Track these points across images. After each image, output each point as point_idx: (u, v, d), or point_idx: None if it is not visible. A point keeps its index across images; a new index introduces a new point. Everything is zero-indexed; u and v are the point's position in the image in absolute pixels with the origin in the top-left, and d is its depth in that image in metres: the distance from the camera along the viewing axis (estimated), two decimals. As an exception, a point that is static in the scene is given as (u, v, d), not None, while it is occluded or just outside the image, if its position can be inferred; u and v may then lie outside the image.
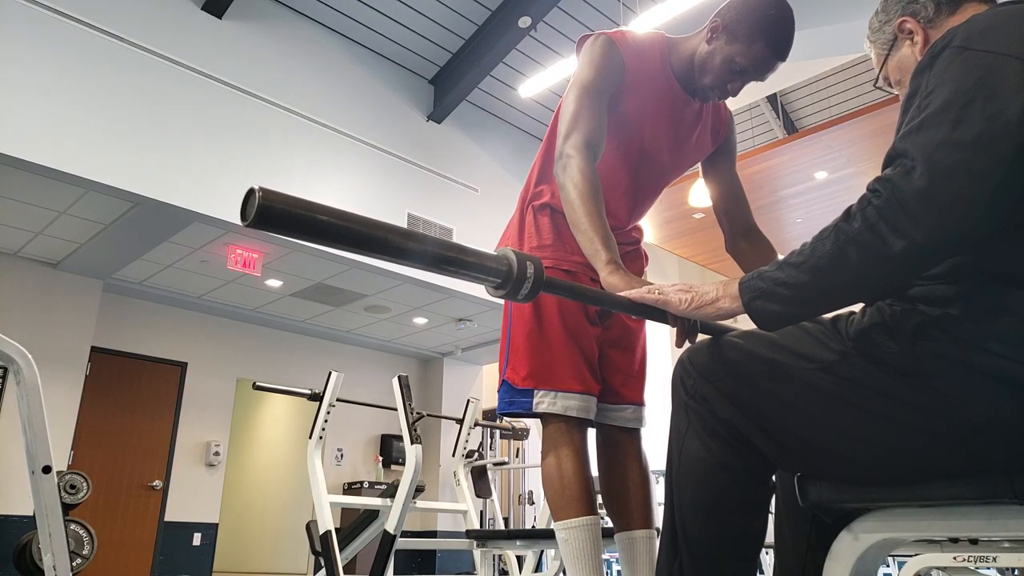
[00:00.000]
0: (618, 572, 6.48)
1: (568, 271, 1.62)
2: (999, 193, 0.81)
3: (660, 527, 1.18)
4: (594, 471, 1.60)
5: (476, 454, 6.20)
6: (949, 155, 0.82)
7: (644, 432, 1.72)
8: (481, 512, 7.01)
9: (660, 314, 1.10)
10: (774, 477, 1.14)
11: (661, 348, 8.03)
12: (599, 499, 1.64)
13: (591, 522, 1.48)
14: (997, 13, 0.95)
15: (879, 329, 0.93)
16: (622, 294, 1.15)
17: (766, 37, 1.48)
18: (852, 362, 0.93)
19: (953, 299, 0.88)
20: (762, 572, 3.87)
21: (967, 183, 0.81)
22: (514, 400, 1.56)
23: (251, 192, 0.73)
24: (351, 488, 7.75)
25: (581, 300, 1.09)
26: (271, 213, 0.74)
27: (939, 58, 0.91)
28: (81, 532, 4.25)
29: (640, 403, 1.70)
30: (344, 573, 2.99)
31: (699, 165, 1.85)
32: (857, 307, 1.03)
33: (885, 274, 0.85)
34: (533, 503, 8.24)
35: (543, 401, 1.53)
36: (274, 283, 6.54)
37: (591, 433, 1.67)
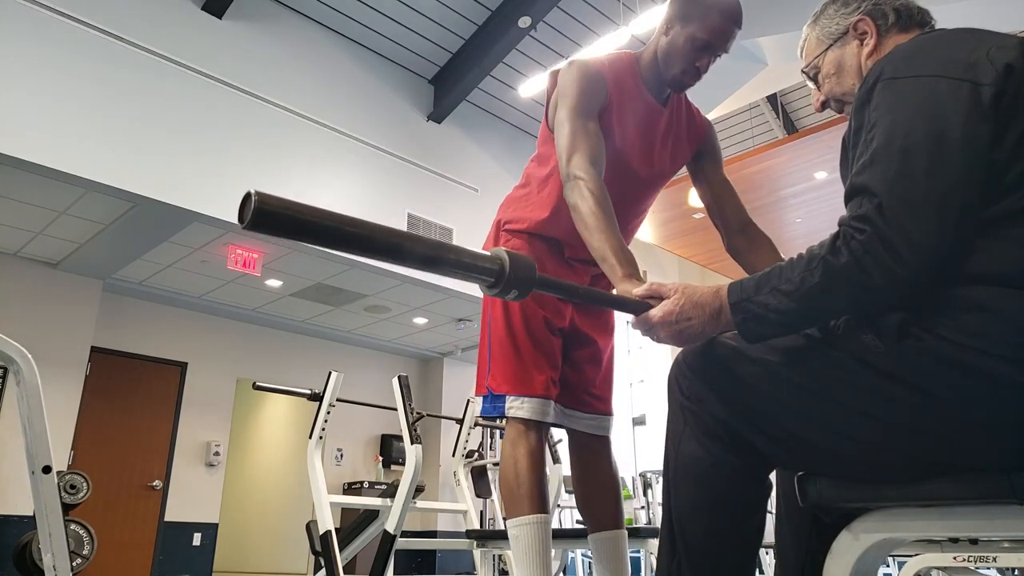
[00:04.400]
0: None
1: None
2: (963, 211, 0.87)
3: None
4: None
5: (476, 454, 6.20)
6: (909, 188, 0.87)
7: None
8: (481, 512, 7.01)
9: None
10: (773, 477, 1.15)
11: (662, 349, 8.02)
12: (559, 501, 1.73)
13: (541, 520, 1.55)
14: (918, 40, 1.01)
15: (866, 329, 0.94)
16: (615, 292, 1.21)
17: (717, 7, 1.57)
18: (842, 363, 0.94)
19: (933, 300, 0.90)
20: (762, 572, 3.87)
21: (933, 212, 0.86)
22: (493, 405, 1.67)
23: (248, 196, 0.75)
24: (351, 488, 7.75)
25: (573, 298, 1.12)
26: (267, 216, 0.76)
27: (873, 92, 0.96)
28: (81, 532, 4.25)
29: (606, 413, 1.80)
30: (344, 573, 2.99)
31: (687, 170, 1.90)
32: None
33: (872, 303, 0.92)
34: (533, 503, 8.23)
35: (513, 406, 1.63)
36: (274, 283, 6.54)
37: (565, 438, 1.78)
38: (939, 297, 0.89)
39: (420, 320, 7.51)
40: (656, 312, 1.07)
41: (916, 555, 1.70)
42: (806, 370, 0.97)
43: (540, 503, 1.56)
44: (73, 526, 4.23)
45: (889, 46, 1.10)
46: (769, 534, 1.20)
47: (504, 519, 1.76)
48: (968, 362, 0.85)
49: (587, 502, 1.76)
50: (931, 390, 0.88)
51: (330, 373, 3.30)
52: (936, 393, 0.87)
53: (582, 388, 1.77)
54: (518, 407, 1.62)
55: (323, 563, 2.97)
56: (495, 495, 5.74)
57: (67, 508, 4.19)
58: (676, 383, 1.10)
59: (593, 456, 1.77)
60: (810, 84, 1.25)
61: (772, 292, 0.95)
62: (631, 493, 5.58)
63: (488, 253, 0.94)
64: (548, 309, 1.70)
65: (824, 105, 1.23)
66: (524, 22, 5.74)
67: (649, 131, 1.72)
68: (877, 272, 0.88)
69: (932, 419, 0.88)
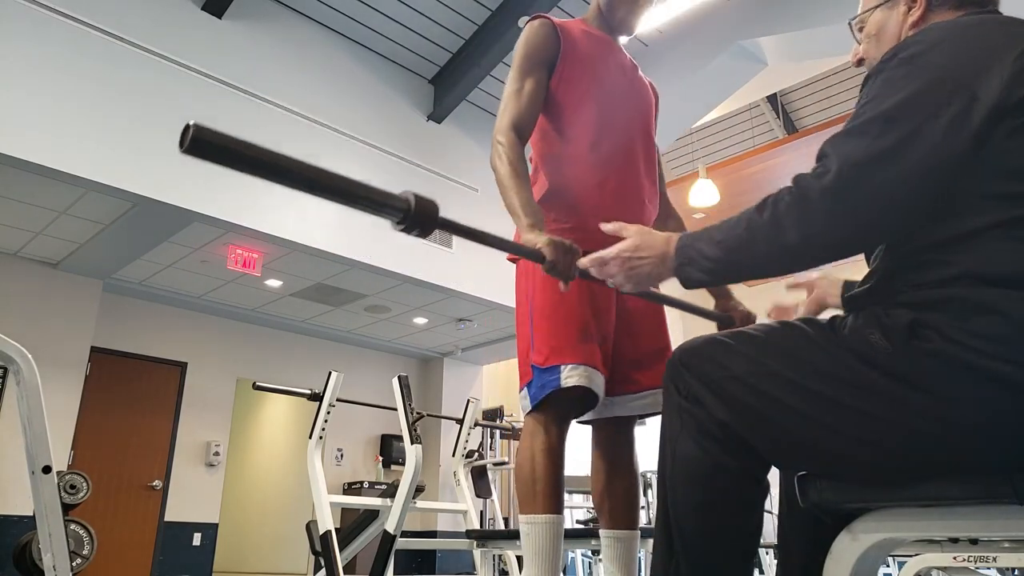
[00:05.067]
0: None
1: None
2: (895, 208, 0.89)
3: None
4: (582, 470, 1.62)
5: (476, 454, 6.20)
6: (861, 165, 0.89)
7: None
8: (481, 512, 7.01)
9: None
10: (779, 477, 1.15)
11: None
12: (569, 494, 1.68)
13: (554, 520, 1.53)
14: (954, 25, 0.99)
15: (874, 329, 0.93)
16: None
17: None
18: (847, 363, 0.93)
19: (944, 301, 0.89)
20: (762, 572, 3.88)
21: (868, 194, 0.88)
22: (544, 383, 1.56)
23: (187, 127, 0.86)
24: (351, 488, 7.74)
25: (477, 240, 1.24)
26: (202, 144, 0.87)
27: (887, 66, 0.96)
28: (81, 532, 4.25)
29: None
30: (344, 573, 2.99)
31: None
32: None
33: (783, 262, 0.96)
34: (533, 503, 8.22)
35: (572, 375, 1.54)
36: (274, 283, 6.54)
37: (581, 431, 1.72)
38: (950, 298, 0.89)
39: (420, 320, 7.51)
40: (612, 249, 1.15)
41: (916, 555, 1.70)
42: (809, 371, 0.96)
43: (555, 503, 1.54)
44: (73, 526, 4.23)
45: (934, 20, 1.07)
46: (769, 534, 1.20)
47: (505, 518, 1.75)
48: (976, 364, 0.85)
49: (603, 498, 1.72)
50: (937, 391, 0.87)
51: (330, 373, 3.30)
52: (942, 394, 0.87)
53: (627, 365, 1.68)
54: (580, 375, 1.53)
55: (323, 563, 2.97)
56: (495, 495, 5.74)
57: (67, 508, 4.19)
58: (673, 384, 1.08)
59: (614, 450, 1.73)
60: (855, 36, 1.22)
61: (708, 241, 1.02)
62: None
63: (398, 193, 1.06)
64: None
65: (860, 62, 1.20)
66: (524, 22, 5.74)
67: (617, 63, 1.82)
68: (791, 230, 0.92)
69: (936, 420, 0.87)
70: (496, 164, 1.61)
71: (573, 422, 1.66)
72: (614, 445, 1.73)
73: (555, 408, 1.57)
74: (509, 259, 1.77)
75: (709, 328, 1.49)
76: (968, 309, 0.87)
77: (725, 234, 0.99)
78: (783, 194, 0.94)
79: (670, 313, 1.78)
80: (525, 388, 1.62)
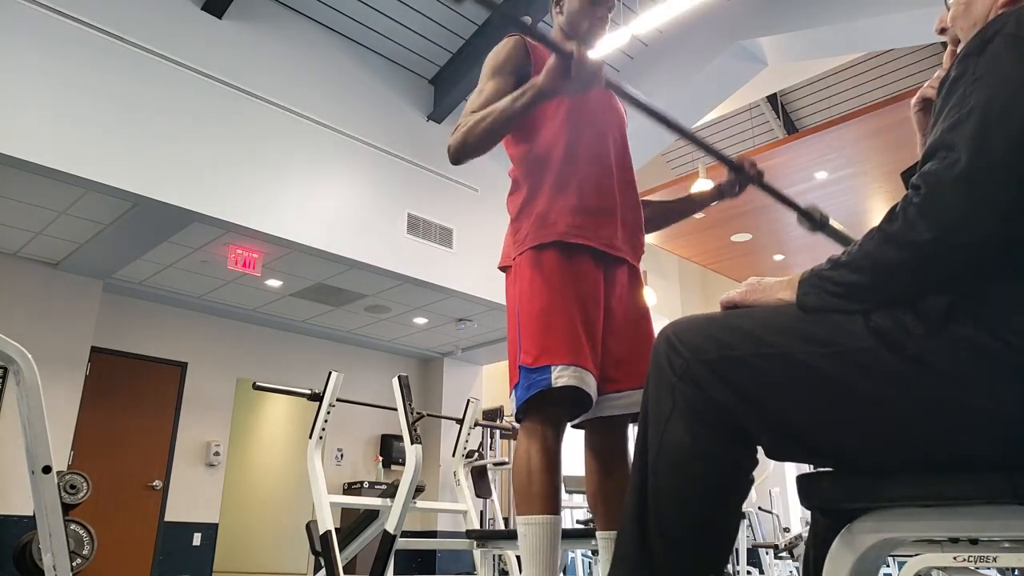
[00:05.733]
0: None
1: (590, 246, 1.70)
2: None
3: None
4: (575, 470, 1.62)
5: (476, 454, 6.21)
6: (993, 145, 0.82)
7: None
8: (481, 512, 7.01)
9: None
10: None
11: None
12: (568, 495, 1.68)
13: (551, 521, 1.53)
14: None
15: (906, 309, 0.90)
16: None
17: None
18: (869, 347, 0.89)
19: (980, 291, 0.87)
20: (762, 572, 3.87)
21: (1007, 172, 0.81)
22: (532, 383, 1.56)
23: None
24: (351, 488, 7.74)
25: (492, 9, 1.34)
26: None
27: (990, 44, 0.90)
28: (81, 532, 4.26)
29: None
30: (344, 573, 2.99)
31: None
32: None
33: (920, 269, 0.87)
34: (533, 503, 8.22)
35: (563, 375, 1.54)
36: (274, 283, 6.54)
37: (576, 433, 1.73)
38: (987, 289, 0.86)
39: (420, 320, 7.51)
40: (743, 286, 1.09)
41: (916, 555, 1.70)
42: (826, 355, 0.92)
43: (551, 503, 1.54)
44: (73, 526, 4.23)
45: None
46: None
47: (505, 518, 1.75)
48: (1004, 356, 0.83)
49: (597, 499, 1.71)
50: (959, 378, 0.85)
51: (330, 373, 3.30)
52: (963, 382, 0.85)
53: (610, 365, 1.68)
54: (570, 375, 1.53)
55: (323, 563, 2.97)
56: (495, 495, 5.74)
57: (67, 508, 4.19)
58: (667, 361, 1.01)
59: (606, 451, 1.72)
60: (945, 2, 1.17)
61: (834, 265, 0.94)
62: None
63: None
64: (589, 281, 1.66)
65: (943, 31, 1.15)
66: (524, 22, 5.74)
67: None
68: (925, 227, 0.84)
69: (952, 411, 0.86)
70: (469, 128, 1.63)
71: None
72: (606, 446, 1.73)
73: (549, 409, 1.57)
74: (500, 267, 1.79)
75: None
76: (1004, 302, 0.85)
77: (852, 255, 0.93)
78: (910, 196, 0.87)
79: (657, 316, 1.80)
80: (513, 391, 1.62)
